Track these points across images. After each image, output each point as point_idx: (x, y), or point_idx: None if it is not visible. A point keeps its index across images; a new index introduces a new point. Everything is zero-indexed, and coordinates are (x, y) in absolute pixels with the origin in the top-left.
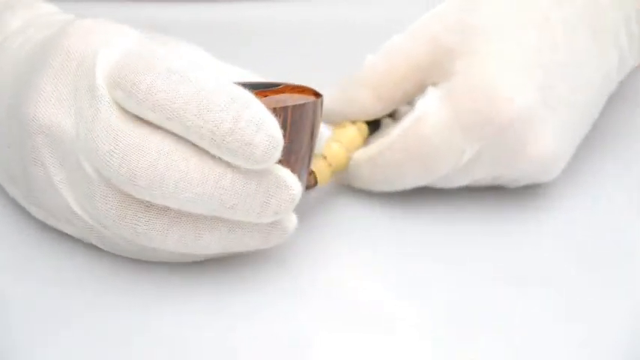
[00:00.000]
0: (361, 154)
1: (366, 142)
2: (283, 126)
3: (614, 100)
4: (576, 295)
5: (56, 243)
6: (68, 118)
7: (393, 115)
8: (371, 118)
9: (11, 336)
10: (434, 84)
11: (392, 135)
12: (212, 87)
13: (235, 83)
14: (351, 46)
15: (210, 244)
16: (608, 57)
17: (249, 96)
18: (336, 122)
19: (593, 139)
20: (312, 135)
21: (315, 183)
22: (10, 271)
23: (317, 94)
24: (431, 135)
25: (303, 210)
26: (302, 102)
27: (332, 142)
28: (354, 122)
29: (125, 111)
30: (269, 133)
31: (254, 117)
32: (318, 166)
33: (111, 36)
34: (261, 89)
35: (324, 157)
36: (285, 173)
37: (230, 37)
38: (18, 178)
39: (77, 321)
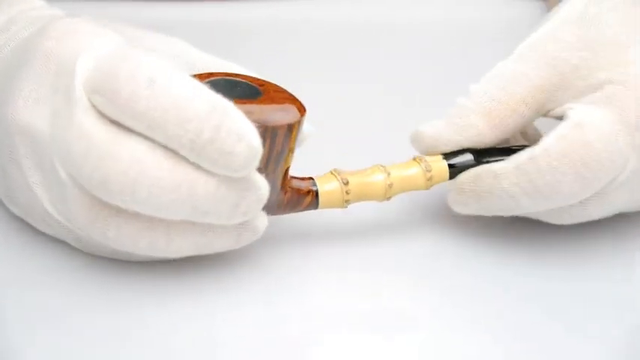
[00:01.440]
0: (501, 166)
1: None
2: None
3: None
4: None
5: (35, 242)
6: (45, 120)
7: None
8: (484, 146)
9: None
10: (560, 104)
11: (547, 141)
12: (192, 95)
13: (216, 79)
14: (351, 46)
15: (182, 248)
16: None
17: (229, 105)
18: (445, 151)
19: None
20: (289, 152)
21: (313, 204)
22: None
23: (299, 106)
24: (595, 139)
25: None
26: (283, 122)
27: (376, 171)
28: (421, 160)
29: (101, 115)
30: (249, 143)
31: (234, 126)
32: (328, 187)
33: (92, 37)
34: (241, 97)
35: (345, 183)
36: (253, 174)
37: (230, 37)
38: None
39: (56, 321)
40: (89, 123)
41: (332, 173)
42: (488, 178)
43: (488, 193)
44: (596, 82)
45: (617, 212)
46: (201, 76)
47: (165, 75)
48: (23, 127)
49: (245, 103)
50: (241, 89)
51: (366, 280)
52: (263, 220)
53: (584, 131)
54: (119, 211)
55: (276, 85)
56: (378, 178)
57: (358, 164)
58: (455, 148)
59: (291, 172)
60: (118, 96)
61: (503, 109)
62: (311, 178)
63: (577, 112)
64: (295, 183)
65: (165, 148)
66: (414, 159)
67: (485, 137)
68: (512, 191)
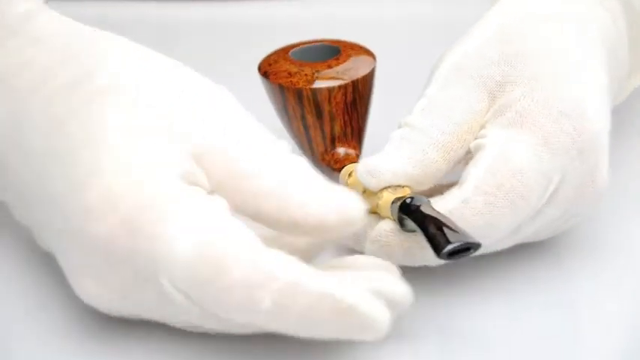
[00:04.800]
0: None
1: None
2: (353, 96)
3: None
4: None
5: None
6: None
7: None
8: (439, 179)
9: None
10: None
11: (473, 178)
12: (318, 301)
13: (298, 48)
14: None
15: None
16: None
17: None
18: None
19: None
20: (370, 96)
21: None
22: None
23: (369, 52)
24: (522, 165)
25: None
26: (367, 70)
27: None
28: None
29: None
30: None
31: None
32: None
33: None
34: (322, 60)
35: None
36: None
37: (230, 37)
38: None
39: None
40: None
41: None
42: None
43: (417, 247)
44: (513, 98)
45: (553, 227)
46: (285, 49)
47: (289, 283)
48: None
49: (330, 65)
50: (326, 50)
51: None
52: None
53: (510, 158)
54: None
55: (346, 41)
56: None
57: None
58: (414, 184)
59: None
60: (227, 301)
61: (455, 140)
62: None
63: (494, 139)
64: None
65: None
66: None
67: (442, 172)
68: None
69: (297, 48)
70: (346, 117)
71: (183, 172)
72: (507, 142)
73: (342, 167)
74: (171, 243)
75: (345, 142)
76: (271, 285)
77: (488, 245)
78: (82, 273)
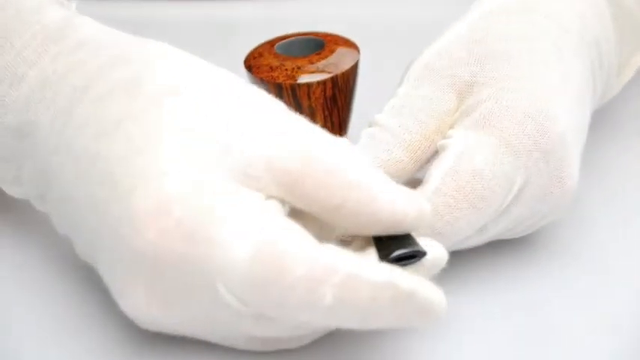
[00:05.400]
0: None
1: None
2: (333, 92)
3: None
4: None
5: None
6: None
7: None
8: (406, 177)
9: None
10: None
11: (434, 180)
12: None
13: (284, 42)
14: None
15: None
16: (596, 86)
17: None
18: None
19: None
20: (353, 89)
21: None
22: None
23: (354, 45)
24: (483, 167)
25: None
26: (348, 65)
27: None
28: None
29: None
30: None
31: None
32: None
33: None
34: (307, 53)
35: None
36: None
37: (229, 37)
38: None
39: None
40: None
41: None
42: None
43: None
44: (479, 99)
45: (525, 225)
46: (272, 42)
47: (350, 275)
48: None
49: (312, 61)
50: (311, 43)
51: None
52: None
53: (471, 160)
54: None
55: (331, 34)
56: None
57: None
58: None
59: None
60: (290, 299)
61: (421, 140)
62: None
63: (457, 140)
64: None
65: None
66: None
67: (409, 171)
68: None
69: (284, 41)
70: (326, 112)
71: (240, 176)
72: (469, 144)
73: None
74: (228, 246)
75: None
76: (333, 279)
77: (454, 244)
78: (128, 282)
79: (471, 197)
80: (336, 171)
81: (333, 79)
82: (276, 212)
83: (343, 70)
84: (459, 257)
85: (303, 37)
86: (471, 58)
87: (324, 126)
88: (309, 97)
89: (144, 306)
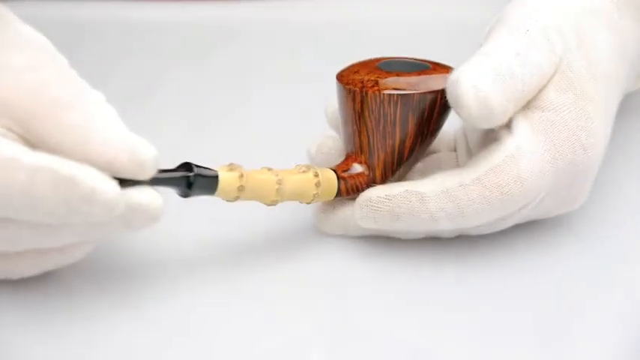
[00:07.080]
0: (429, 189)
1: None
2: (362, 107)
3: None
4: None
5: None
6: None
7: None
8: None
9: None
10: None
11: (480, 169)
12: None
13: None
14: (351, 46)
15: (70, 239)
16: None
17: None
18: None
19: None
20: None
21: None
22: None
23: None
24: (527, 177)
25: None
26: (434, 88)
27: (266, 172)
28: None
29: None
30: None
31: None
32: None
33: None
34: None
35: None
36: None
37: (228, 37)
38: None
39: None
40: None
41: (229, 166)
42: (413, 200)
43: (408, 214)
44: (554, 100)
45: (529, 219)
46: (370, 62)
47: (6, 159)
48: None
49: (408, 75)
50: (411, 66)
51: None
52: (153, 198)
53: (518, 165)
54: None
55: (443, 65)
56: (269, 176)
57: None
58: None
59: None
60: None
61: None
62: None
63: (512, 140)
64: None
65: None
66: (305, 165)
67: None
68: (438, 215)
69: (387, 60)
70: (355, 126)
71: None
72: (522, 146)
73: (338, 170)
74: None
75: (355, 153)
76: None
77: (466, 229)
78: None
79: (506, 198)
80: (62, 109)
81: (362, 94)
82: None
83: (374, 90)
84: (479, 238)
85: (409, 60)
86: (581, 55)
87: (354, 139)
88: (347, 105)
89: None
